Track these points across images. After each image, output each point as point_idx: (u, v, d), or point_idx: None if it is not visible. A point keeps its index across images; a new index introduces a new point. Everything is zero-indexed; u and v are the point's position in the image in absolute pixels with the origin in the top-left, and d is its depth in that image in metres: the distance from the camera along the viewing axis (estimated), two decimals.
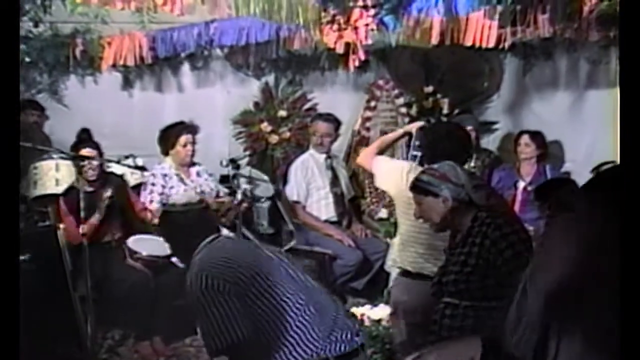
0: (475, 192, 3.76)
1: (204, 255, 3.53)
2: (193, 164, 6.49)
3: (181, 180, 6.38)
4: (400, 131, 5.56)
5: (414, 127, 5.33)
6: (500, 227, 3.64)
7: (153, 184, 6.29)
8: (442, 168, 3.86)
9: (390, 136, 5.54)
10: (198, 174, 6.50)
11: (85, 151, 5.97)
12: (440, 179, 3.79)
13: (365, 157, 5.13)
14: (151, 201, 6.24)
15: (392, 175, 4.71)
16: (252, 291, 3.37)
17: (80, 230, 5.49)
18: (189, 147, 6.36)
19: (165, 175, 6.34)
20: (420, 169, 4.47)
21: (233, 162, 6.40)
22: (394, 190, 4.72)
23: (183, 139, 6.33)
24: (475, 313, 3.60)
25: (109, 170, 6.20)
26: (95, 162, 5.90)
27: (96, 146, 6.11)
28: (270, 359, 3.37)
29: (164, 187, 6.29)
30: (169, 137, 6.38)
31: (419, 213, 3.91)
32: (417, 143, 5.01)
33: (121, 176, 6.28)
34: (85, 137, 6.37)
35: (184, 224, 3.70)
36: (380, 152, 5.14)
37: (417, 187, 3.86)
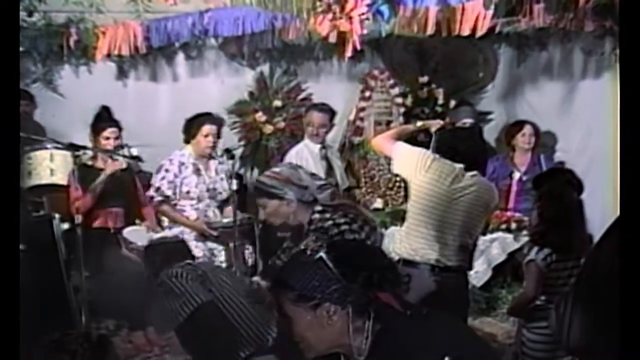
0: (320, 193, 3.91)
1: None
2: (211, 157, 6.39)
3: (197, 171, 6.25)
4: (419, 124, 5.61)
5: (432, 124, 5.40)
6: (327, 230, 3.78)
7: (167, 170, 6.18)
8: (285, 171, 4.00)
9: (410, 127, 5.62)
10: (216, 172, 6.40)
11: (108, 132, 6.12)
12: (284, 182, 3.92)
13: (384, 142, 5.11)
14: (158, 188, 6.16)
15: (412, 161, 4.72)
16: (208, 277, 3.89)
17: (76, 205, 5.49)
18: (211, 138, 6.23)
19: (182, 164, 6.23)
20: (443, 160, 4.55)
21: (228, 151, 6.37)
22: (411, 176, 4.73)
23: (206, 129, 6.21)
24: None
25: (123, 154, 6.20)
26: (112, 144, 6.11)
27: (116, 124, 6.22)
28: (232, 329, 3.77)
29: (176, 175, 6.17)
30: (192, 126, 6.27)
31: (264, 216, 4.07)
32: (435, 145, 5.06)
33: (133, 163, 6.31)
34: (105, 116, 6.32)
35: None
36: (398, 140, 5.16)
37: (261, 190, 3.99)
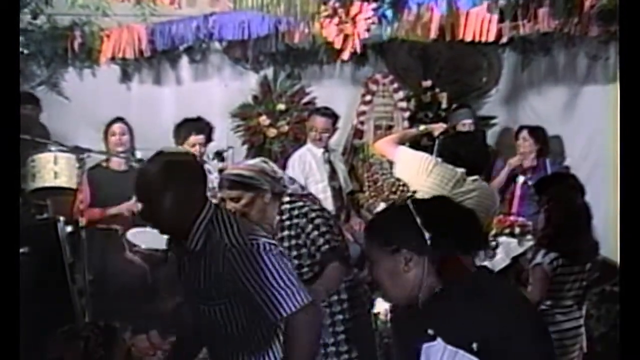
0: (292, 184, 4.11)
1: None
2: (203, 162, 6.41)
3: None
4: (422, 128, 5.63)
5: (435, 128, 5.42)
6: (307, 213, 3.98)
7: None
8: (259, 164, 4.07)
9: (413, 131, 5.68)
10: (209, 172, 6.40)
11: (114, 127, 6.26)
12: (260, 173, 3.99)
13: (386, 146, 5.14)
14: None
15: (414, 165, 4.74)
16: None
17: (81, 207, 5.50)
18: (197, 147, 6.24)
19: None
20: (445, 164, 4.57)
21: (218, 154, 6.39)
22: (412, 180, 4.74)
23: (192, 139, 6.23)
24: None
25: (127, 157, 6.21)
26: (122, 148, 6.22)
27: (122, 120, 6.34)
28: None
29: None
30: (179, 134, 6.32)
31: (237, 208, 3.99)
32: (438, 149, 5.08)
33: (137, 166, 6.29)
34: (114, 118, 6.41)
35: None
36: (400, 144, 5.17)
37: (237, 182, 3.98)
